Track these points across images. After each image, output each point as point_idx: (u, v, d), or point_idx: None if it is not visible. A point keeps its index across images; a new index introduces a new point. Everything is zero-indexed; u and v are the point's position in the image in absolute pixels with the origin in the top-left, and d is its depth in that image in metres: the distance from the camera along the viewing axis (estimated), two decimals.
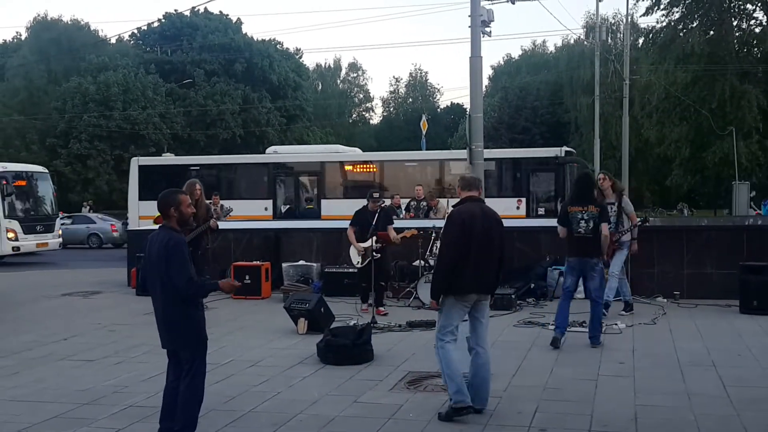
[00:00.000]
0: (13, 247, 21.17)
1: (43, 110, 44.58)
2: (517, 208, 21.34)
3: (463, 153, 16.19)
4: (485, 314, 6.11)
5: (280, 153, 25.71)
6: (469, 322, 6.12)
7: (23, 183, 22.11)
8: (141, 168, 24.99)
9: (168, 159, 27.57)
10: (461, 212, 6.01)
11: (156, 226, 5.36)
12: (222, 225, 14.90)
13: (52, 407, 6.35)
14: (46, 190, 23.25)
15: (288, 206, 23.92)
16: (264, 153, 27.67)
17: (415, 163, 24.92)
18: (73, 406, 6.40)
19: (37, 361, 8.20)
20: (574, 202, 8.60)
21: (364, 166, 23.97)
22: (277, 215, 23.17)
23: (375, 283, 10.30)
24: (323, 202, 22.88)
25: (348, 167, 23.91)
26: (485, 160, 21.17)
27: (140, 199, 24.19)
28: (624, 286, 10.46)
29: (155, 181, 24.19)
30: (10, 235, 21.00)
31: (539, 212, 21.31)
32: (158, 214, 5.31)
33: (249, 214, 20.53)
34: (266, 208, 23.18)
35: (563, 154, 21.97)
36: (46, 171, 24.48)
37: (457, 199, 6.29)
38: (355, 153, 26.17)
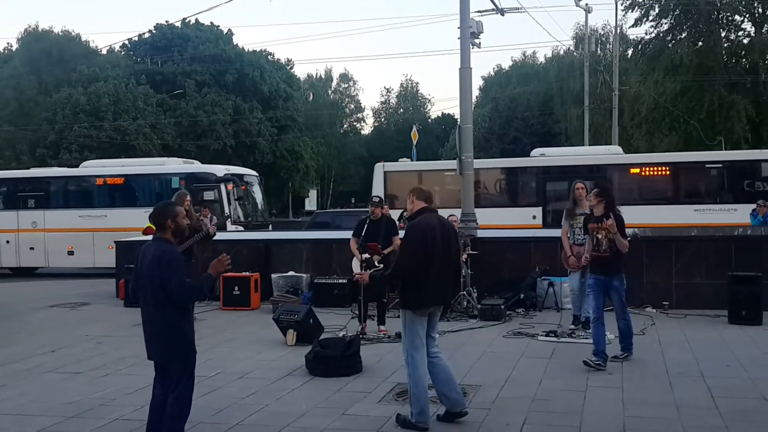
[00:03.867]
0: None
1: (34, 121, 44.48)
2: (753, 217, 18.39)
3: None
4: (436, 328, 6.14)
5: (548, 156, 22.68)
6: None
7: (243, 188, 20.51)
8: (387, 174, 22.50)
9: (414, 164, 24.69)
10: (422, 225, 5.92)
11: (146, 237, 5.34)
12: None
13: (39, 420, 6.31)
14: (260, 195, 21.78)
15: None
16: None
17: (719, 165, 20.61)
18: (60, 419, 6.36)
19: (24, 374, 8.15)
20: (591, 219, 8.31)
21: (656, 168, 20.66)
22: (546, 223, 20.05)
23: (376, 299, 10.00)
24: None
25: (635, 170, 20.80)
26: (709, 163, 20.28)
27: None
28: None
29: (401, 188, 22.19)
30: None
31: None
32: (165, 223, 5.16)
33: (512, 222, 18.78)
34: (534, 216, 20.65)
35: None
36: (257, 175, 22.73)
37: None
38: (623, 155, 23.22)
